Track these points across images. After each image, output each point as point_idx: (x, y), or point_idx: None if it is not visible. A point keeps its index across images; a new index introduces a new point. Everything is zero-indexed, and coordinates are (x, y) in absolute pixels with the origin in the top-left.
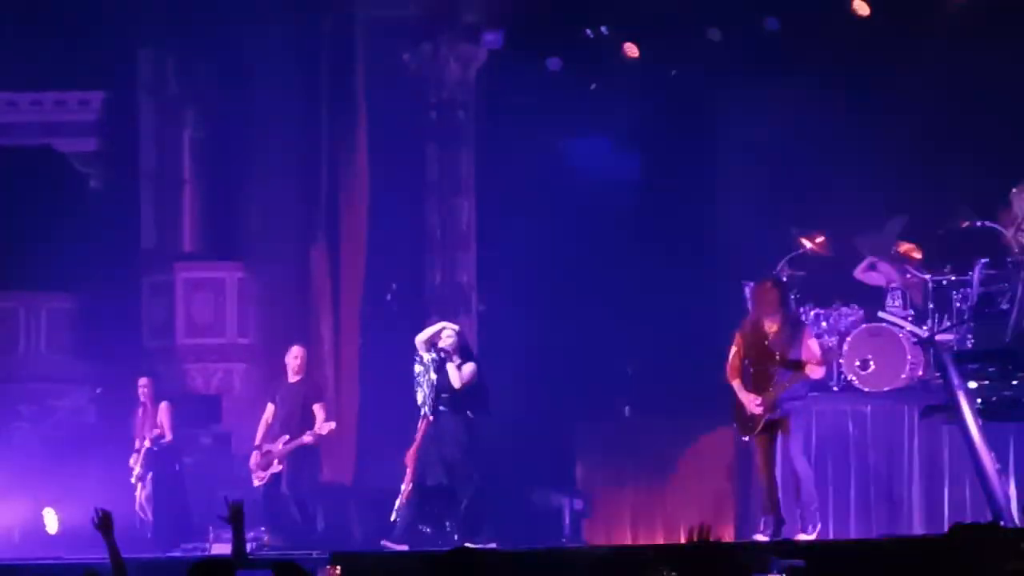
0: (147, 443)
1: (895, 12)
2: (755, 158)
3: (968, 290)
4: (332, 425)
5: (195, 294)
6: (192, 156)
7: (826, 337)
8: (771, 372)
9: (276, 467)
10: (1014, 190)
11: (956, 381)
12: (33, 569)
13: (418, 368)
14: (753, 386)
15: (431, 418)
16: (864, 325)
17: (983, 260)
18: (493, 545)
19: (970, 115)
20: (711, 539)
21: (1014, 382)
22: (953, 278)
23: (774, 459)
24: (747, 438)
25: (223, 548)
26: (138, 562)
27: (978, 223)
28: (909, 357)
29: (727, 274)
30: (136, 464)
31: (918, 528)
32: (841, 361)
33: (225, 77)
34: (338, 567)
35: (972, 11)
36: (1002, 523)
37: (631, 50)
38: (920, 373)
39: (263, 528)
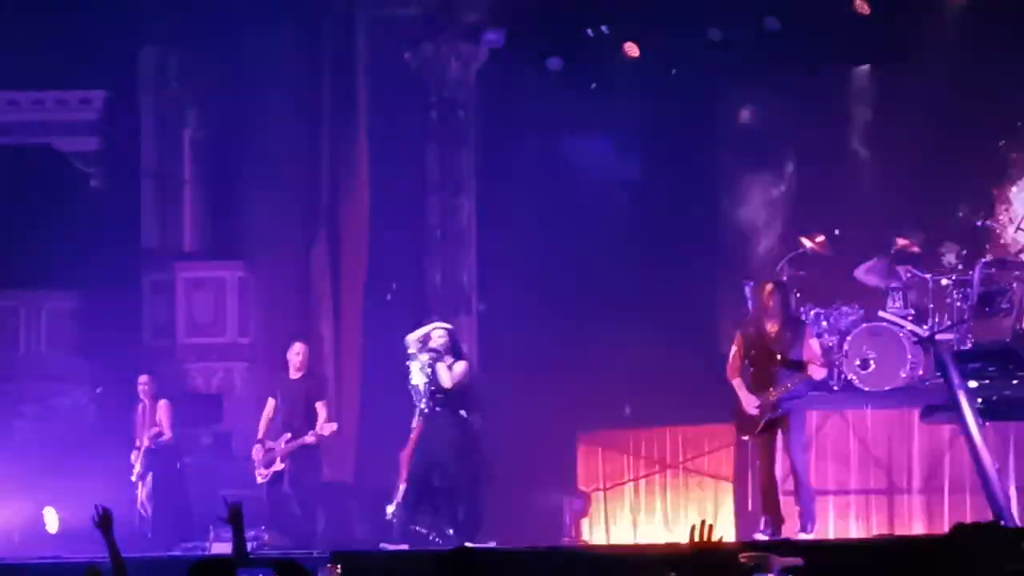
0: (147, 442)
1: (896, 12)
2: (755, 158)
3: (968, 290)
4: (334, 426)
5: (196, 293)
6: (193, 155)
7: (826, 336)
8: (773, 372)
9: (278, 465)
10: (1014, 189)
11: (956, 380)
12: (33, 568)
13: (414, 367)
14: (754, 386)
15: (427, 415)
16: (864, 324)
17: (983, 260)
18: (492, 543)
19: (971, 115)
20: (713, 539)
21: (1014, 381)
22: (954, 278)
23: (774, 458)
24: (747, 437)
25: (223, 547)
26: (139, 561)
27: (978, 222)
28: (909, 356)
29: (727, 273)
30: (136, 462)
31: (918, 528)
32: (842, 360)
33: (226, 77)
34: (338, 566)
35: (973, 11)
36: (1003, 523)
37: (632, 49)
38: (920, 372)
39: (263, 527)
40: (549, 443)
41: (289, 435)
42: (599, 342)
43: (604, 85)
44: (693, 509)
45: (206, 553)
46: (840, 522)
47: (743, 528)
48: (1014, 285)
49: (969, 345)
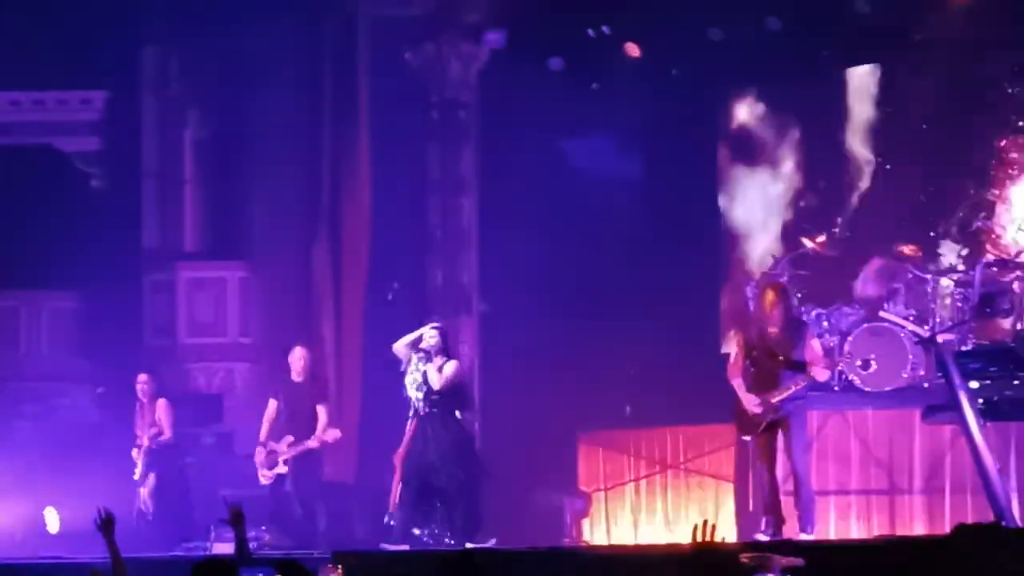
0: (147, 442)
1: (897, 11)
2: (756, 157)
3: (969, 290)
4: (338, 433)
5: (197, 293)
6: (194, 155)
7: (827, 337)
8: (775, 373)
9: (281, 468)
10: (1015, 189)
11: (957, 381)
12: (34, 568)
13: (410, 370)
14: (756, 386)
15: (421, 416)
16: (865, 325)
17: (984, 260)
18: (492, 542)
19: (971, 114)
20: (715, 539)
21: (1015, 382)
22: (955, 278)
23: (775, 459)
24: (748, 438)
25: (225, 547)
26: (140, 561)
27: (979, 222)
28: (910, 357)
29: (729, 273)
30: (138, 462)
31: (919, 528)
32: (844, 361)
33: (227, 77)
34: (339, 566)
35: (973, 11)
36: (1004, 524)
37: (632, 49)
38: (922, 373)
39: (264, 527)
40: (550, 443)
41: (292, 438)
42: (600, 342)
43: (605, 85)
44: (694, 509)
45: (207, 553)
46: (841, 522)
47: (744, 528)
48: (1015, 285)
49: (970, 345)
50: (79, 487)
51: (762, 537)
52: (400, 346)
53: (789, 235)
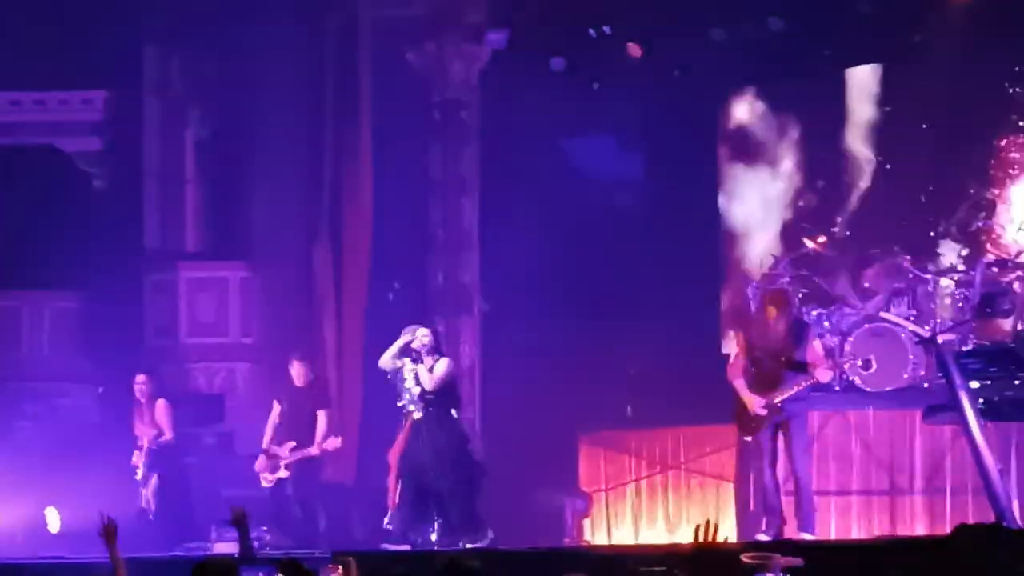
0: (147, 443)
1: (898, 11)
2: (758, 157)
3: (970, 290)
4: (338, 443)
5: (198, 293)
6: (195, 155)
7: (828, 337)
8: (777, 373)
9: (283, 473)
10: (1015, 189)
11: (958, 381)
12: (35, 568)
13: (407, 374)
14: (758, 387)
15: (416, 418)
16: (866, 325)
17: (985, 260)
18: (490, 535)
19: (972, 113)
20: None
21: (1016, 382)
22: (956, 278)
23: (775, 459)
24: (749, 438)
25: (226, 547)
26: (141, 561)
27: (980, 222)
28: (911, 357)
29: (730, 274)
30: (139, 462)
31: (920, 529)
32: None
33: (229, 77)
34: (340, 567)
35: (974, 10)
36: (1004, 524)
37: (634, 49)
38: (922, 373)
39: (264, 527)
40: (551, 443)
41: (294, 444)
42: (601, 342)
43: (606, 85)
44: (695, 510)
45: (208, 553)
46: (842, 523)
47: (745, 528)
48: (1015, 285)
49: (971, 346)
50: (80, 487)
51: (763, 537)
52: (387, 359)
53: (789, 235)
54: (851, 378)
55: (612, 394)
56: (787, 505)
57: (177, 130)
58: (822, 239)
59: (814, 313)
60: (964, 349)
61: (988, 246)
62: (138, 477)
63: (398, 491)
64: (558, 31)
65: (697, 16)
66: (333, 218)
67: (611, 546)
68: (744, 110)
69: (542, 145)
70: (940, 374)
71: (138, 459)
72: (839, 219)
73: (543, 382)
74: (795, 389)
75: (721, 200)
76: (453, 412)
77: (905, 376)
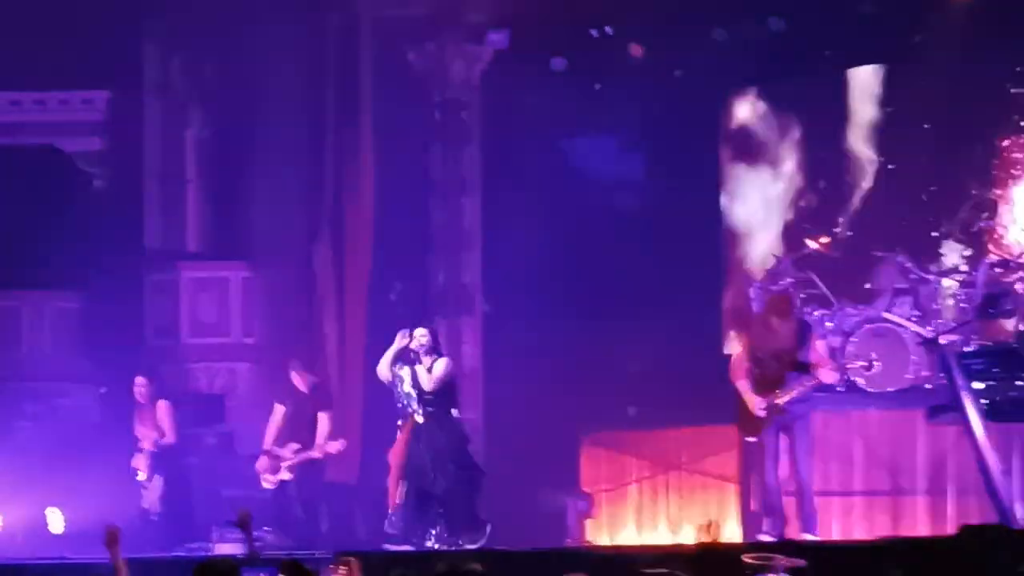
0: (148, 445)
1: (900, 11)
2: (759, 158)
3: (972, 290)
4: (340, 445)
5: (199, 293)
6: (196, 155)
7: (830, 338)
8: (780, 374)
9: (284, 475)
10: (1017, 189)
11: (961, 382)
12: (36, 569)
13: (405, 380)
14: (761, 388)
15: (417, 420)
16: (868, 325)
17: (987, 260)
18: (480, 544)
19: (974, 114)
20: (720, 538)
21: (1019, 382)
22: (958, 278)
23: (778, 459)
24: (751, 438)
25: (227, 548)
26: (142, 561)
27: (982, 222)
28: (914, 357)
29: (732, 274)
30: (141, 465)
31: (923, 529)
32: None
33: (230, 76)
34: (341, 568)
35: (975, 10)
36: (1007, 525)
37: (636, 49)
38: (925, 374)
39: (266, 528)
40: (552, 444)
41: (297, 445)
42: (602, 342)
43: (607, 85)
44: (697, 510)
45: (209, 554)
46: (844, 523)
47: (747, 529)
48: (1018, 286)
49: (973, 346)
50: (81, 487)
51: (765, 537)
52: (384, 368)
53: (791, 235)
54: (853, 379)
55: (614, 394)
56: (789, 506)
57: (178, 130)
58: (824, 239)
59: (816, 314)
60: (967, 350)
61: (991, 246)
62: (140, 479)
63: (399, 492)
64: (559, 31)
65: (698, 16)
66: (334, 218)
67: (613, 546)
68: (745, 110)
69: (543, 145)
70: (943, 375)
71: (138, 461)
72: (841, 219)
73: (545, 382)
74: (798, 390)
75: (722, 200)
76: (453, 412)
77: (908, 377)
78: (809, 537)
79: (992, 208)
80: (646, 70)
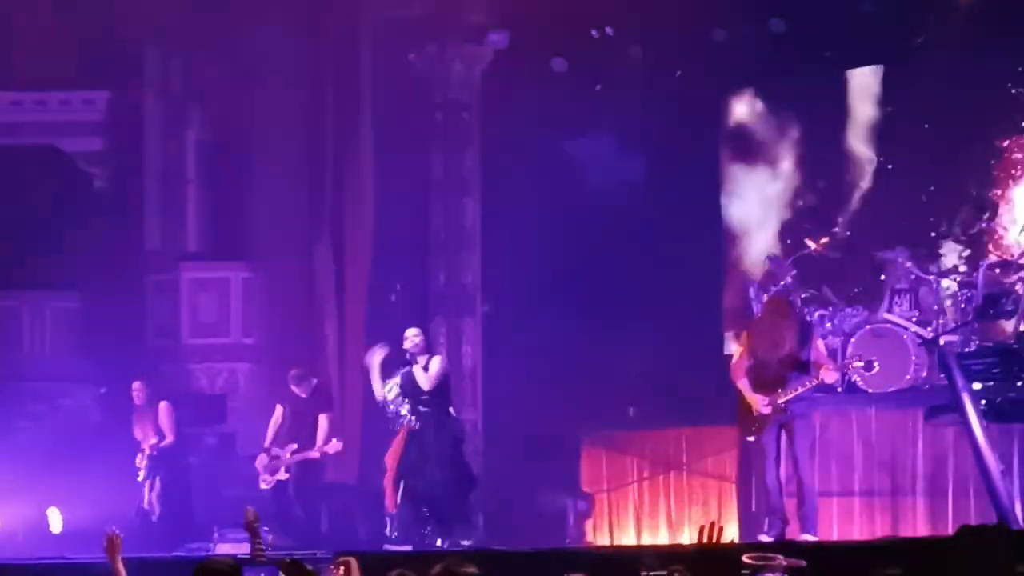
0: (148, 447)
1: (900, 12)
2: (760, 159)
3: (972, 291)
4: (339, 446)
5: (200, 294)
6: (197, 156)
7: (831, 338)
8: (781, 374)
9: (283, 475)
10: (1017, 190)
11: (960, 382)
12: (37, 569)
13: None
14: (762, 387)
15: (413, 424)
16: (868, 326)
17: (987, 262)
18: (470, 541)
19: (975, 115)
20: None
21: (1019, 383)
22: (958, 279)
23: (778, 460)
24: (752, 438)
25: (228, 548)
26: (142, 562)
27: (982, 223)
28: (914, 358)
29: (732, 275)
30: (142, 464)
31: (922, 529)
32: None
33: (230, 77)
34: (341, 568)
35: (976, 11)
36: (1007, 525)
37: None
38: (924, 374)
39: (267, 528)
40: (552, 444)
41: (295, 446)
42: (603, 343)
43: (608, 86)
44: (697, 511)
45: (210, 554)
46: (844, 524)
47: (747, 529)
48: (1018, 287)
49: (973, 347)
50: (82, 487)
51: (765, 538)
52: (378, 390)
53: (791, 235)
54: (853, 379)
55: (614, 395)
56: (789, 506)
57: (178, 130)
58: (824, 240)
59: (816, 314)
60: (966, 350)
61: (990, 247)
62: (140, 478)
63: (399, 493)
64: (559, 32)
65: (698, 17)
66: (334, 218)
67: (613, 547)
68: (745, 110)
69: (543, 146)
70: (942, 375)
71: (141, 461)
72: (840, 219)
73: (545, 383)
74: (799, 390)
75: (722, 200)
76: (451, 410)
77: (907, 377)
78: (809, 537)
79: (992, 209)
80: (646, 71)
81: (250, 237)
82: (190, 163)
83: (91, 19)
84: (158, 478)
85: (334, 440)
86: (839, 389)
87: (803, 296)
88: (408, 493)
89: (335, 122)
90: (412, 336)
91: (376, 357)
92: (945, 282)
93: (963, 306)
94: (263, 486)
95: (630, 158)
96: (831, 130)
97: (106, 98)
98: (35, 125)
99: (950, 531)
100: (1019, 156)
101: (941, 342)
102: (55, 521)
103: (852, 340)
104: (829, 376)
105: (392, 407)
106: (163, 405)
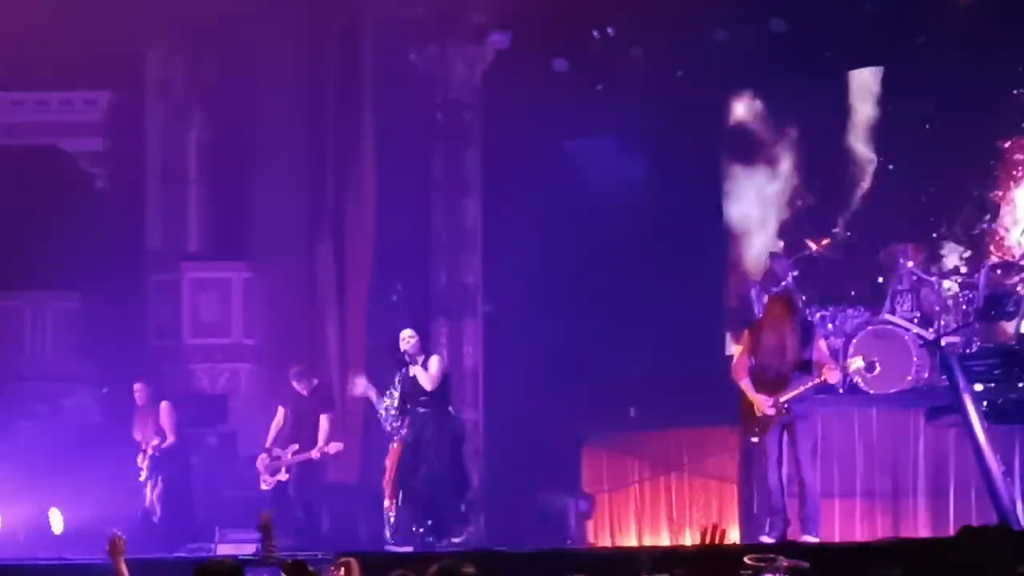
0: (150, 449)
1: (901, 12)
2: (760, 159)
3: (974, 292)
4: (340, 446)
5: (201, 294)
6: (198, 156)
7: (832, 339)
8: (783, 374)
9: (283, 476)
10: (1019, 191)
11: (962, 383)
12: (37, 569)
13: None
14: (764, 387)
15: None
16: (870, 327)
17: (989, 263)
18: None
19: (977, 115)
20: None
21: (1020, 384)
22: (959, 280)
23: (780, 460)
24: (754, 439)
25: (229, 548)
26: (143, 562)
27: (983, 224)
28: (915, 359)
29: (734, 275)
30: (143, 465)
31: (924, 530)
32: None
33: (232, 77)
34: (342, 568)
35: (977, 11)
36: (1008, 526)
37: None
38: (926, 375)
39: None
40: (553, 445)
41: (296, 446)
42: (604, 343)
43: (609, 86)
44: (698, 512)
45: (211, 554)
46: (845, 524)
47: (748, 530)
48: (1019, 288)
49: (975, 348)
50: (83, 487)
51: (767, 539)
52: (386, 406)
53: (791, 236)
54: (855, 380)
55: (615, 395)
56: (791, 507)
57: (180, 130)
58: (825, 240)
59: (817, 315)
60: (968, 351)
61: (992, 248)
62: (142, 478)
63: (399, 494)
64: (560, 32)
65: (700, 18)
66: (336, 219)
67: (614, 548)
68: (745, 110)
69: (544, 146)
70: (944, 376)
71: (142, 461)
72: (840, 220)
73: (546, 383)
74: (801, 389)
75: (723, 201)
76: (451, 409)
77: (909, 378)
78: (810, 539)
79: (994, 210)
80: (647, 71)
81: (251, 237)
82: (191, 163)
83: (93, 19)
84: (159, 478)
85: (335, 441)
86: (841, 390)
87: (804, 297)
88: (407, 493)
89: (336, 122)
90: (408, 337)
91: (360, 387)
92: (946, 283)
93: (964, 307)
94: (264, 486)
95: (631, 158)
96: (831, 130)
97: (107, 98)
98: (36, 125)
99: (951, 532)
100: (1020, 157)
101: (942, 343)
102: (56, 521)
103: (854, 341)
104: (832, 376)
105: (391, 418)
106: (164, 405)
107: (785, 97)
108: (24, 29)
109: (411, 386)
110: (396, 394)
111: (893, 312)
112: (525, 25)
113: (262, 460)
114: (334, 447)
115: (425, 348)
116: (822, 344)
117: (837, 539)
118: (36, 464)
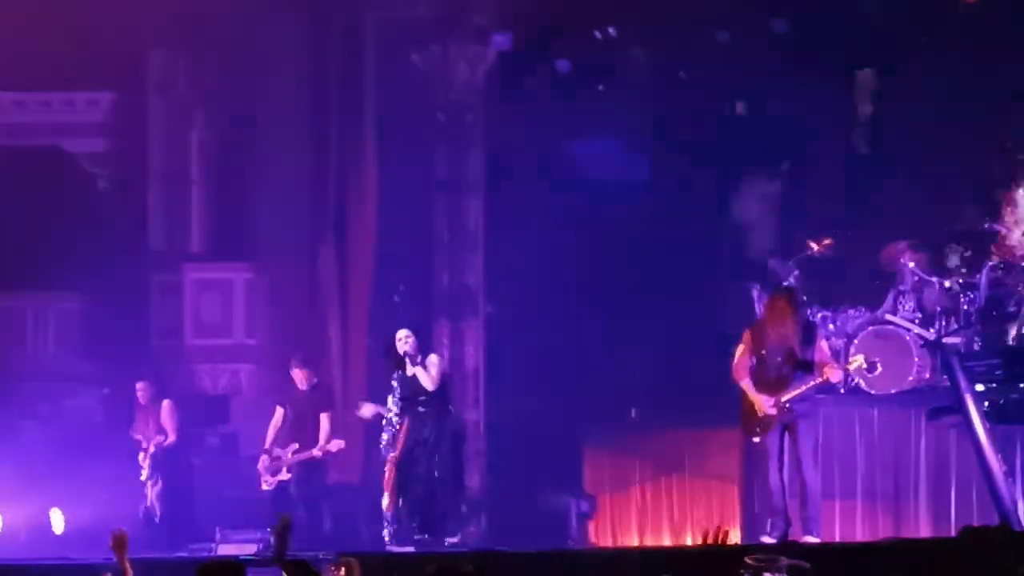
0: (152, 448)
1: (903, 13)
2: (763, 160)
3: (975, 293)
4: (341, 444)
5: (203, 294)
6: (200, 157)
7: (833, 339)
8: (784, 373)
9: (284, 475)
10: (1021, 191)
11: (963, 384)
12: (39, 569)
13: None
14: (765, 387)
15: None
16: (871, 327)
17: (991, 263)
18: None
19: (978, 116)
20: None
21: (1021, 385)
22: (961, 281)
23: (782, 461)
24: (756, 439)
25: (230, 548)
26: (145, 562)
27: (985, 225)
28: (916, 360)
29: (735, 275)
30: (144, 464)
31: (925, 531)
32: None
33: (234, 78)
34: (342, 568)
35: (978, 12)
36: (1009, 526)
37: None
38: (927, 376)
39: (269, 528)
40: (555, 446)
41: (297, 446)
42: (606, 344)
43: (611, 87)
44: (699, 512)
45: (212, 555)
46: (846, 525)
47: (750, 531)
48: (1021, 288)
49: (976, 348)
50: (85, 488)
51: (768, 539)
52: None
53: (792, 236)
54: (856, 380)
55: (616, 396)
56: (792, 507)
57: (182, 131)
58: (826, 241)
59: (819, 315)
60: (969, 352)
61: (993, 249)
62: (143, 478)
63: (399, 495)
64: (563, 33)
65: (702, 18)
66: (338, 219)
67: (615, 548)
68: (747, 110)
69: (547, 146)
70: (945, 377)
71: (144, 460)
72: (841, 220)
73: (548, 384)
74: (803, 389)
75: (727, 202)
76: (451, 409)
77: (910, 379)
78: (811, 539)
79: (995, 210)
80: (651, 72)
81: (253, 238)
82: (194, 164)
83: (95, 20)
84: (160, 477)
85: (335, 440)
86: (842, 390)
87: (805, 297)
88: (407, 494)
89: (338, 123)
90: (404, 337)
91: (368, 411)
92: (948, 283)
93: (966, 307)
94: (264, 487)
95: (632, 159)
96: (832, 130)
97: (110, 99)
98: (39, 126)
99: (953, 532)
100: (1022, 157)
101: (944, 343)
102: (57, 521)
103: (855, 341)
104: (834, 375)
105: (392, 429)
106: (166, 403)
107: (786, 97)
108: (26, 29)
109: (411, 386)
110: (395, 396)
111: (895, 312)
112: (527, 26)
113: (263, 462)
114: (336, 444)
115: (425, 348)
116: (823, 344)
117: (838, 539)
118: (38, 464)
